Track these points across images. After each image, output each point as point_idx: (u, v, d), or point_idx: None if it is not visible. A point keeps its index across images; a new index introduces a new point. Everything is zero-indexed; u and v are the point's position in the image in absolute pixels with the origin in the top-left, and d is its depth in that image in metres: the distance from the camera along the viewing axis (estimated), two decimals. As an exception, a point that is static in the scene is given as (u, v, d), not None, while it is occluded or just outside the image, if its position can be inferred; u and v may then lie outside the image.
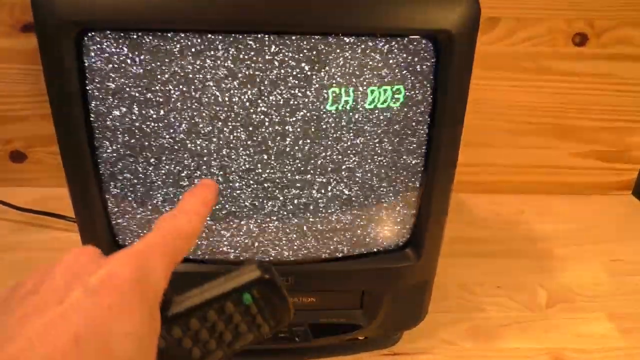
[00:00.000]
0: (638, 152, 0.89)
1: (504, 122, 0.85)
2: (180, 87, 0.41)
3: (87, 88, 0.41)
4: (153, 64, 0.40)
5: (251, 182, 0.45)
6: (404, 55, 0.42)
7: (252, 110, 0.42)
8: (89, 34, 0.39)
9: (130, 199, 0.46)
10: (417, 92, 0.44)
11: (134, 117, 0.42)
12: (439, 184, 0.48)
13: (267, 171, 0.45)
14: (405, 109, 0.44)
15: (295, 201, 0.47)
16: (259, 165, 0.45)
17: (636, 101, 0.84)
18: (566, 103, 0.84)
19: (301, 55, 0.41)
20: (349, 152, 0.45)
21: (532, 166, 0.90)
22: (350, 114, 0.43)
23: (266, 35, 0.40)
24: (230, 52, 0.40)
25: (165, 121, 0.42)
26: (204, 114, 0.42)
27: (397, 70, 0.42)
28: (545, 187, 0.91)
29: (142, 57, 0.40)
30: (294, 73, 0.41)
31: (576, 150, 0.89)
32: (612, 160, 0.90)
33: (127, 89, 0.41)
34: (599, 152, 0.89)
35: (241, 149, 0.44)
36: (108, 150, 0.44)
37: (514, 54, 0.80)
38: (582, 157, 0.89)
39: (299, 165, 0.45)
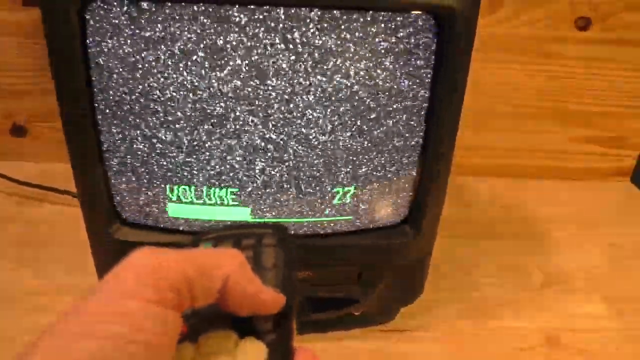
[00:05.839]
0: (637, 139, 0.90)
1: (504, 105, 0.85)
2: (184, 53, 0.41)
3: (89, 54, 0.41)
4: (156, 30, 0.40)
5: (247, 152, 0.46)
6: (406, 31, 0.42)
7: (252, 80, 0.42)
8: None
9: (132, 171, 0.46)
10: (418, 69, 0.44)
11: (137, 86, 0.42)
12: (437, 161, 0.48)
13: (266, 140, 0.45)
14: (407, 86, 0.44)
15: (294, 173, 0.47)
16: (255, 137, 0.45)
17: (637, 87, 0.84)
18: (567, 87, 0.84)
19: (298, 28, 0.41)
20: (349, 126, 0.45)
21: (531, 150, 0.90)
22: (350, 87, 0.43)
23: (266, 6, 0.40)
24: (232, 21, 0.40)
25: (169, 91, 0.42)
26: (205, 84, 0.42)
27: (396, 47, 0.42)
28: (543, 171, 0.92)
29: (145, 23, 0.40)
30: (294, 44, 0.41)
31: (576, 135, 0.89)
32: (612, 147, 0.90)
33: (130, 55, 0.41)
34: (598, 138, 0.89)
35: (238, 114, 0.44)
36: (110, 122, 0.44)
37: (516, 37, 0.79)
38: (581, 142, 0.89)
39: (299, 137, 0.45)
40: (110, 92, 0.42)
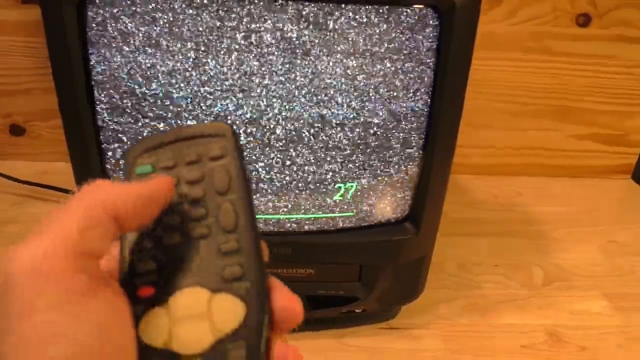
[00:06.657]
0: (638, 136, 0.89)
1: (504, 103, 0.85)
2: (187, 47, 0.41)
3: (89, 49, 0.41)
4: (157, 24, 0.40)
5: (249, 148, 0.45)
6: (407, 24, 0.42)
7: (249, 69, 0.42)
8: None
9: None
10: (418, 65, 0.44)
11: (138, 80, 0.42)
12: (438, 158, 0.48)
13: (266, 136, 0.45)
14: (407, 83, 0.44)
15: (295, 171, 0.47)
16: (256, 132, 0.45)
17: (637, 84, 0.84)
18: (567, 85, 0.84)
19: (302, 21, 0.40)
20: (350, 122, 0.45)
21: (531, 148, 0.90)
22: (351, 83, 0.43)
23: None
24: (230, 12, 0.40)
25: (171, 85, 0.42)
26: (209, 77, 0.42)
27: (399, 41, 0.42)
28: (544, 169, 0.92)
29: (146, 16, 0.40)
30: (294, 39, 0.41)
31: (576, 132, 0.89)
32: (612, 144, 0.90)
33: (130, 49, 0.41)
34: (598, 135, 0.89)
35: (242, 110, 0.44)
36: (110, 119, 0.44)
37: (516, 34, 0.79)
38: (581, 139, 0.89)
39: (300, 134, 0.45)
40: (110, 87, 0.42)
